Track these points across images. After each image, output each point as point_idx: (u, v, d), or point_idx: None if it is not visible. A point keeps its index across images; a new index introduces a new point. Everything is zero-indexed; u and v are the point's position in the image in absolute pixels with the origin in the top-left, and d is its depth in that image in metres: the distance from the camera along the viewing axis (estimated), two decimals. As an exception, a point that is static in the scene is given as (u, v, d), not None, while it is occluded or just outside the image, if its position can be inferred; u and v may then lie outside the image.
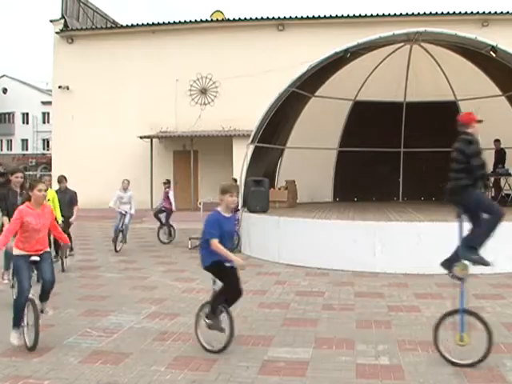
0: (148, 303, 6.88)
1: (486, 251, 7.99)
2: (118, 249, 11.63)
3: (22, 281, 5.05)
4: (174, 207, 13.48)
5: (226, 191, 5.04)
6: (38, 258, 5.20)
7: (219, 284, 5.04)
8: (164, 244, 13.12)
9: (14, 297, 6.07)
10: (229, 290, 4.98)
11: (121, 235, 11.82)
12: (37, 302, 5.12)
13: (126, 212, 11.93)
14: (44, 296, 5.31)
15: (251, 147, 12.47)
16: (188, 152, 21.29)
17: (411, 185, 15.37)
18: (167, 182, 13.95)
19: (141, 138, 20.98)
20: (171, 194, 13.61)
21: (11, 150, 56.42)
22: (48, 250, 5.39)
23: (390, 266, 8.87)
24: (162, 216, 13.60)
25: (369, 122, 14.34)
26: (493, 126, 13.78)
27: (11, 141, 56.39)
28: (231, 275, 5.02)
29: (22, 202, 5.28)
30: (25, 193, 5.23)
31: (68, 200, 10.03)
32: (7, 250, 6.44)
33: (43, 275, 5.26)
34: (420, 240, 8.88)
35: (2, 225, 6.91)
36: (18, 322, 5.09)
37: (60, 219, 8.75)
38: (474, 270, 8.44)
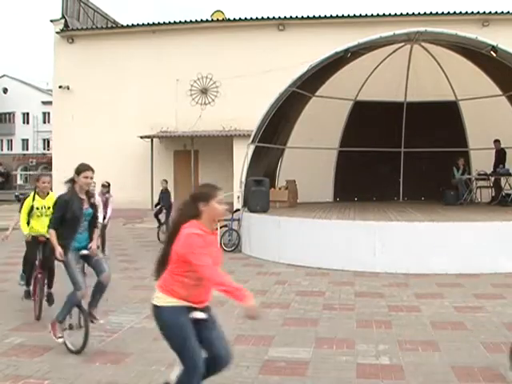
0: (148, 303, 6.85)
1: (486, 251, 7.98)
2: None
3: (194, 350, 3.14)
4: (107, 217, 10.42)
5: None
6: (204, 316, 3.29)
7: None
8: None
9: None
10: None
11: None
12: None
13: None
14: None
15: (252, 147, 12.46)
16: (188, 152, 21.29)
17: (411, 185, 15.37)
18: (107, 186, 10.93)
19: (141, 137, 20.99)
20: (112, 201, 10.79)
21: (12, 149, 56.51)
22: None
23: (390, 266, 8.86)
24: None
25: (369, 121, 14.34)
26: (493, 125, 13.90)
27: (11, 141, 56.50)
28: None
29: (182, 221, 3.25)
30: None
31: None
32: (72, 296, 4.94)
33: (216, 351, 3.27)
34: (420, 240, 8.89)
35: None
36: None
37: None
38: (474, 269, 8.52)
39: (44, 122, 53.68)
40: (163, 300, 3.24)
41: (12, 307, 6.61)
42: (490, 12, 19.72)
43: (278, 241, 10.17)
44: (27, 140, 55.88)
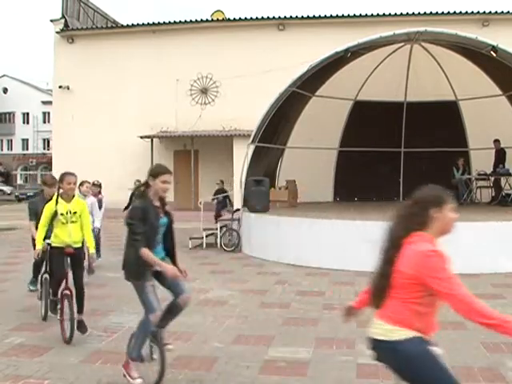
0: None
1: (486, 251, 7.92)
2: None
3: (451, 376, 2.58)
4: (100, 219, 9.14)
5: None
6: (440, 352, 2.75)
7: None
8: None
9: None
10: None
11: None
12: None
13: None
14: None
15: (252, 147, 12.47)
16: (188, 152, 21.30)
17: (411, 185, 15.13)
18: (99, 185, 10.07)
19: (141, 137, 21.01)
20: (103, 201, 10.09)
21: (12, 149, 56.50)
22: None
23: (391, 266, 8.85)
24: None
25: (369, 121, 14.33)
26: (493, 125, 13.88)
27: (11, 140, 56.49)
28: None
29: (404, 233, 2.64)
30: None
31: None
32: (144, 323, 4.11)
33: None
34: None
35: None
36: None
37: (93, 247, 5.67)
38: (474, 269, 8.52)
39: (44, 122, 53.65)
40: (398, 333, 2.53)
41: (12, 307, 6.60)
42: (490, 12, 19.74)
43: (278, 241, 10.17)
44: (27, 140, 55.86)
